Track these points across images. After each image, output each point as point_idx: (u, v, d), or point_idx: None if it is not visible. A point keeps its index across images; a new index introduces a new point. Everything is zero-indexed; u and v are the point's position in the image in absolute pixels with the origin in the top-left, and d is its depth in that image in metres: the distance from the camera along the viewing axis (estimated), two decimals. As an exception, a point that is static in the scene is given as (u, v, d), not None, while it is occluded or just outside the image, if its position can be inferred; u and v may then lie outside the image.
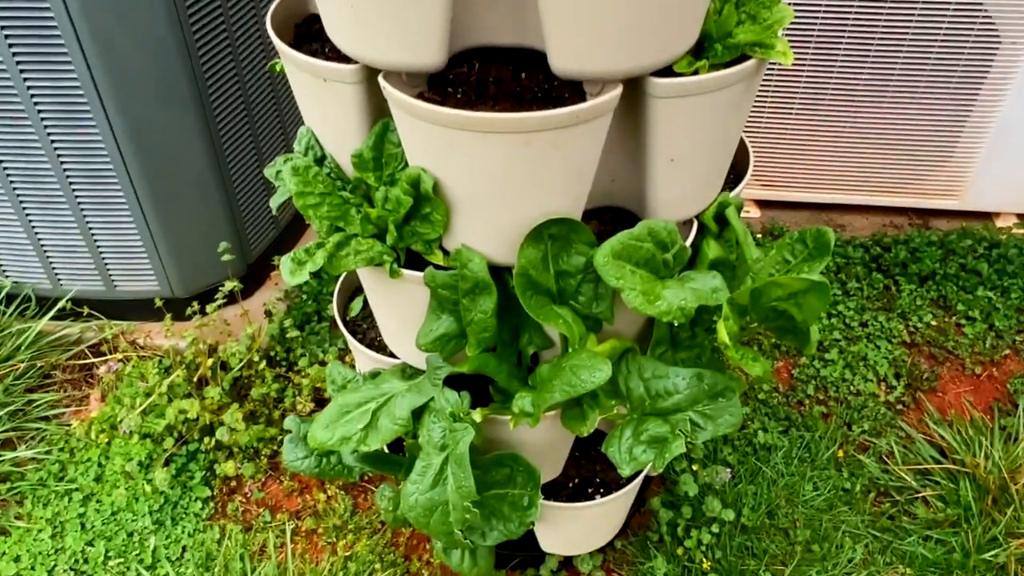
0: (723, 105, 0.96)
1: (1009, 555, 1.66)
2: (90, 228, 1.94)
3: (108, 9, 1.61)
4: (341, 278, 1.42)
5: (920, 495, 1.81)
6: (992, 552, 1.67)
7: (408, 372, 1.25)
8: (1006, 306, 2.26)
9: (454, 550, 1.32)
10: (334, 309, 1.41)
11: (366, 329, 1.42)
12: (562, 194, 0.96)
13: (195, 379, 1.93)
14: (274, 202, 1.20)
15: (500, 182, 0.92)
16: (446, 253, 1.06)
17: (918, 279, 2.34)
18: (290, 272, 0.99)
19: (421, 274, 1.05)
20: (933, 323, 2.22)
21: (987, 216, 2.53)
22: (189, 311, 2.04)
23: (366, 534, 1.76)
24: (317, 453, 1.33)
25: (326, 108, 1.02)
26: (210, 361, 1.94)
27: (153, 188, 1.88)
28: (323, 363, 2.05)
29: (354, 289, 1.48)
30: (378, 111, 1.00)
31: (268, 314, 2.08)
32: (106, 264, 2.01)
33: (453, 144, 0.89)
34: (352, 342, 1.35)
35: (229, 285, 1.98)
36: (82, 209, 1.90)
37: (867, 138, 2.37)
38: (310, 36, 1.11)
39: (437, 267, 1.05)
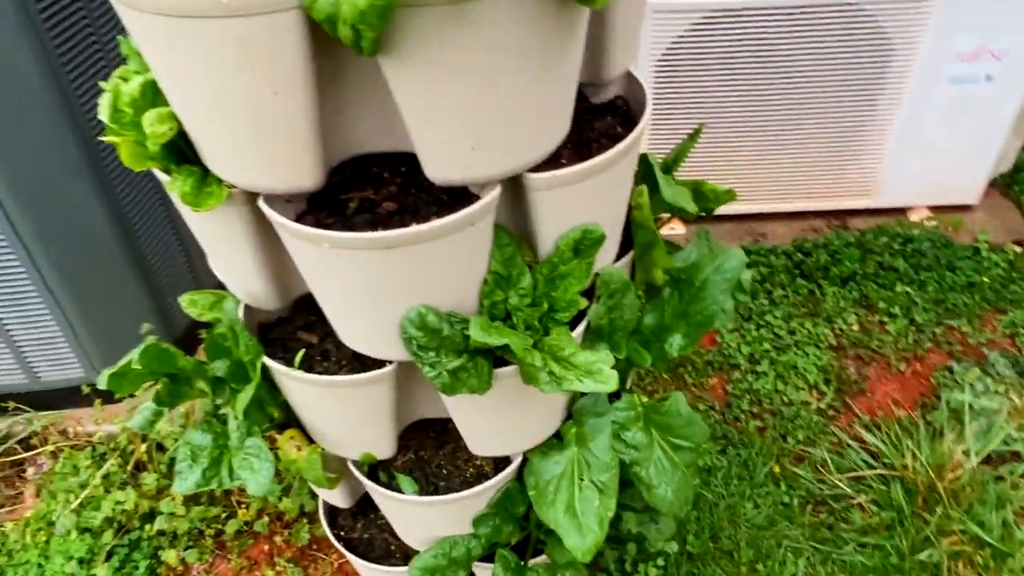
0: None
1: (942, 554, 1.73)
2: (4, 324, 1.89)
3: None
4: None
5: (855, 501, 1.87)
6: (926, 552, 1.74)
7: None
8: (924, 300, 2.34)
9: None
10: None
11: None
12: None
13: (130, 465, 1.90)
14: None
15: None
16: None
17: (840, 281, 2.41)
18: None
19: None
20: (857, 325, 2.29)
21: (901, 211, 2.61)
22: (119, 395, 2.00)
23: (319, 605, 1.75)
24: None
25: (456, 262, 0.95)
26: (144, 446, 1.91)
27: (63, 275, 1.84)
28: (262, 432, 2.03)
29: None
30: None
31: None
32: (26, 357, 1.97)
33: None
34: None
35: (156, 365, 1.95)
36: (-6, 306, 1.86)
37: (779, 146, 2.43)
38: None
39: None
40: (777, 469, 1.94)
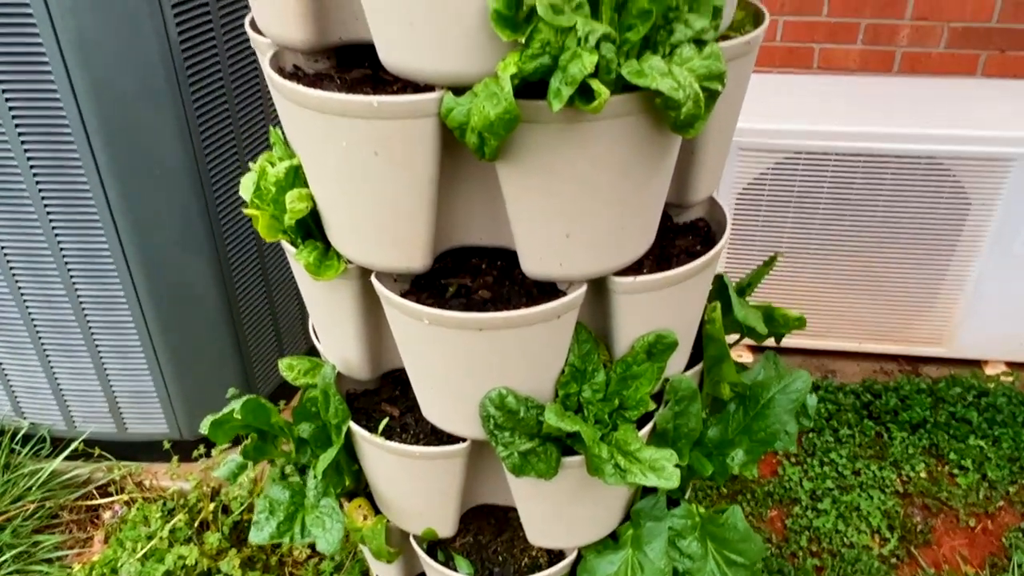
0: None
1: None
2: (107, 374, 2.04)
3: (133, 165, 1.76)
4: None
5: (915, 657, 1.79)
6: None
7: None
8: (998, 456, 2.28)
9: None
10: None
11: None
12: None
13: (196, 523, 1.98)
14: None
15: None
16: None
17: (909, 427, 2.38)
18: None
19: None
20: (925, 473, 2.25)
21: (976, 363, 2.58)
22: (196, 454, 2.11)
23: None
24: None
25: (539, 351, 1.02)
26: (212, 505, 1.99)
27: (167, 335, 2.00)
28: (322, 507, 2.09)
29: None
30: None
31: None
32: (120, 408, 2.11)
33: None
34: None
35: (235, 429, 2.06)
36: (101, 356, 2.02)
37: (852, 286, 2.47)
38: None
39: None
40: (833, 612, 1.88)
